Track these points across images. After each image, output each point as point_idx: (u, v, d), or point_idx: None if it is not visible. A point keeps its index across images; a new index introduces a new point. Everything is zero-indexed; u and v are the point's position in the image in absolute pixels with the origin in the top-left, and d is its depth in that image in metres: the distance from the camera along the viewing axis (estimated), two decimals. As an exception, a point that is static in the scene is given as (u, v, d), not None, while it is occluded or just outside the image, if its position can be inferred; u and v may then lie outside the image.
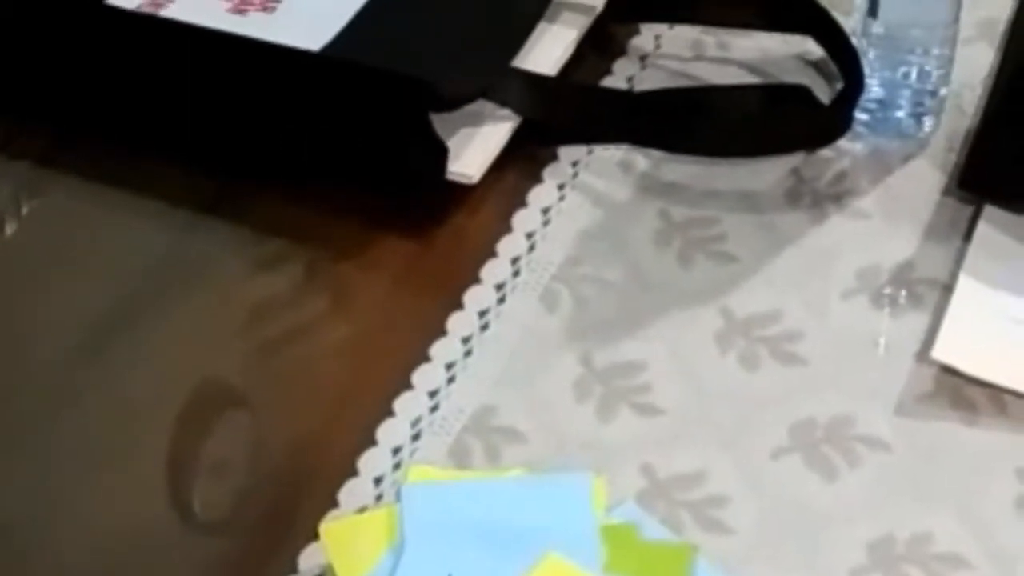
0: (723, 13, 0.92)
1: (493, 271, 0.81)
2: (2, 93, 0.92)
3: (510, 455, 0.72)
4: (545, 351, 0.77)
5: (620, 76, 0.91)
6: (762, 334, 0.77)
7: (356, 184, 0.84)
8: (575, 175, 0.85)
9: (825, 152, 0.85)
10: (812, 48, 0.89)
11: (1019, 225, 0.79)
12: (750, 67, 0.90)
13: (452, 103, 0.83)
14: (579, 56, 0.90)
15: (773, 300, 0.78)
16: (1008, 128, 0.81)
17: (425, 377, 0.76)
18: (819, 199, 0.83)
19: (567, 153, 0.86)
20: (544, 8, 0.90)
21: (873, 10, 0.81)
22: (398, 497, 0.68)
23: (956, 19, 0.81)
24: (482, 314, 0.79)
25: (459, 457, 0.72)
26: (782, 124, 0.86)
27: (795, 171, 0.84)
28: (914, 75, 0.83)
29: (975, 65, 0.88)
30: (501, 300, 0.79)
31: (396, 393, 0.75)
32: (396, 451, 0.73)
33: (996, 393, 0.73)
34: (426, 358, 0.76)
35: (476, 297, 0.79)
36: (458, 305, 0.79)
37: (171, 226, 0.85)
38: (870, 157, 0.84)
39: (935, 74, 0.83)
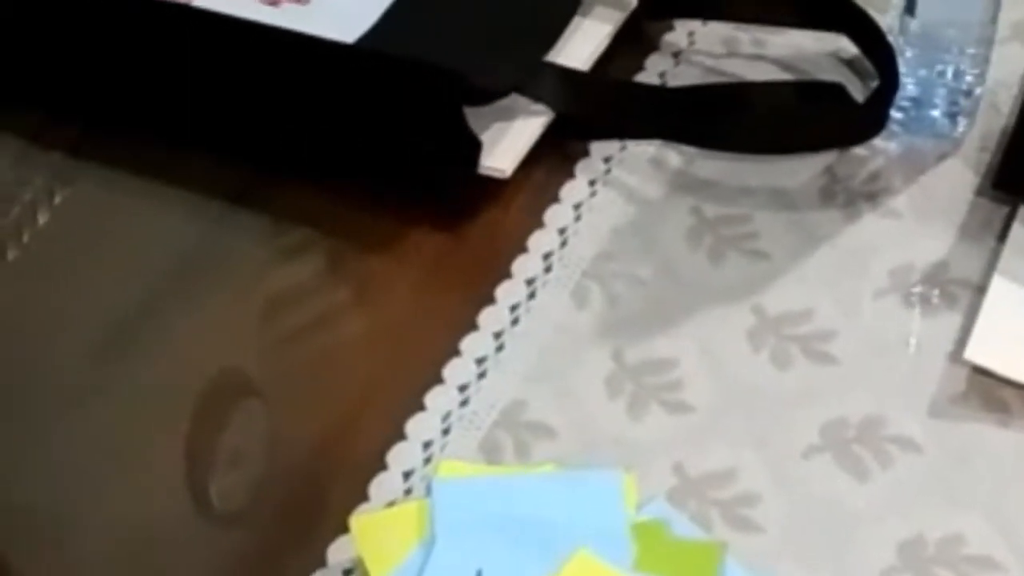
0: (757, 10, 0.91)
1: (524, 266, 0.80)
2: (34, 84, 0.92)
3: (540, 451, 0.72)
4: (576, 347, 0.77)
5: (653, 72, 0.91)
6: (794, 332, 0.76)
7: (388, 178, 0.84)
8: (607, 171, 0.85)
9: (859, 150, 0.84)
10: (847, 46, 0.89)
11: (1054, 226, 0.79)
12: (784, 64, 0.90)
13: (485, 96, 0.83)
14: (612, 51, 0.90)
15: (805, 298, 0.78)
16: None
17: (456, 371, 0.76)
18: (852, 197, 0.82)
19: (599, 149, 0.86)
20: (578, 3, 0.90)
21: (911, 8, 0.80)
22: (428, 491, 0.68)
23: (993, 19, 0.81)
24: (513, 309, 0.78)
25: (489, 452, 0.72)
26: (816, 122, 0.86)
27: (828, 169, 0.84)
28: (949, 74, 0.83)
29: (1011, 65, 0.87)
30: (532, 295, 0.79)
31: (426, 387, 0.75)
32: (426, 445, 0.73)
33: (1029, 395, 0.73)
34: (457, 352, 0.76)
35: (507, 292, 0.79)
36: (489, 300, 0.79)
37: (199, 217, 0.85)
38: (904, 156, 0.84)
39: (970, 73, 0.83)
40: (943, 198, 0.82)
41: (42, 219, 0.86)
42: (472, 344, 0.77)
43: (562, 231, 0.82)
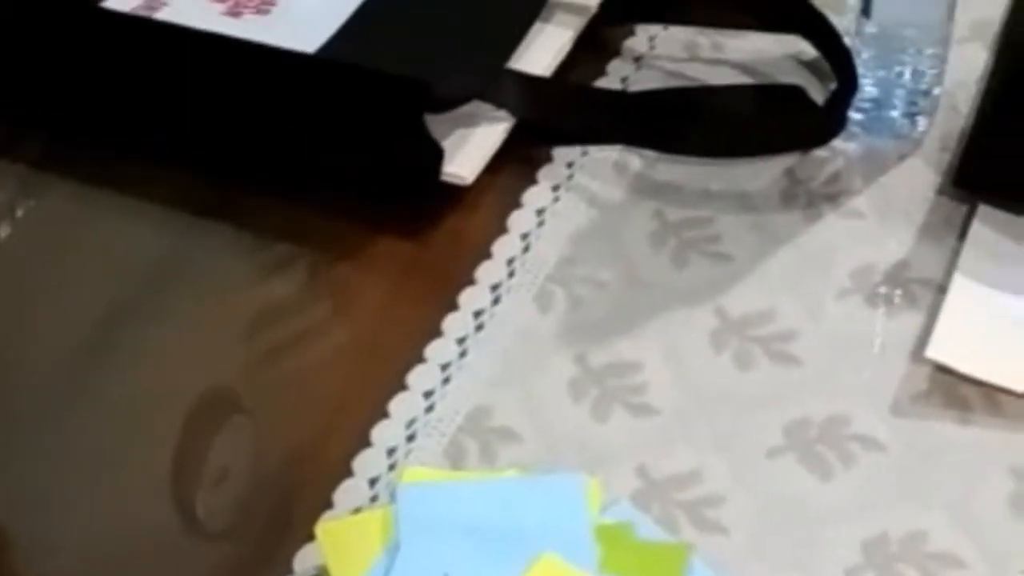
0: (717, 14, 0.92)
1: (488, 272, 0.81)
2: (-2, 96, 0.92)
3: (505, 456, 0.72)
4: (540, 351, 0.77)
5: (614, 77, 0.91)
6: (757, 334, 0.77)
7: (351, 186, 0.84)
8: (570, 176, 0.86)
9: (819, 152, 0.85)
10: (806, 48, 0.89)
11: (1013, 224, 0.80)
12: (744, 67, 0.91)
13: (447, 104, 0.84)
14: (574, 57, 0.90)
15: (768, 300, 0.78)
16: (1002, 127, 0.81)
17: (420, 378, 0.76)
18: (814, 199, 0.83)
19: (562, 154, 0.87)
20: (539, 9, 0.90)
21: (866, 10, 0.81)
22: (393, 498, 0.68)
23: (950, 19, 0.81)
24: (477, 315, 0.79)
25: (454, 458, 0.72)
26: (776, 124, 0.86)
27: (789, 171, 0.84)
28: (908, 75, 0.83)
29: (969, 65, 0.88)
30: (496, 301, 0.79)
31: (392, 394, 0.75)
32: (391, 452, 0.73)
33: (990, 392, 0.73)
34: (421, 359, 0.77)
35: (471, 298, 0.79)
36: (453, 306, 0.79)
37: (167, 230, 0.85)
38: (864, 157, 0.85)
39: (929, 74, 0.83)
40: (904, 198, 0.82)
41: (4, 232, 0.86)
42: (436, 350, 0.77)
43: (525, 236, 0.82)
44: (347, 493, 0.71)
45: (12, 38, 0.91)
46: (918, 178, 0.83)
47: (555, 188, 0.85)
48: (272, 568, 0.69)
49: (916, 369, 0.74)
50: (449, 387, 0.75)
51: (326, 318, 0.81)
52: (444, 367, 0.76)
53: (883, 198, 0.82)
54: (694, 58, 0.92)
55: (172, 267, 0.83)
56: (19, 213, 0.87)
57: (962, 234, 0.79)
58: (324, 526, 0.69)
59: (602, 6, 0.92)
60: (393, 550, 0.66)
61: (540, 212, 0.84)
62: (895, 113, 0.84)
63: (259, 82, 0.85)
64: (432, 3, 0.92)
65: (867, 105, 0.84)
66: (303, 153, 0.85)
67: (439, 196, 0.83)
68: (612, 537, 0.67)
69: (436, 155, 0.82)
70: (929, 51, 0.82)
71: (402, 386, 0.75)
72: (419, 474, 0.70)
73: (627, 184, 0.85)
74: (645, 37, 0.94)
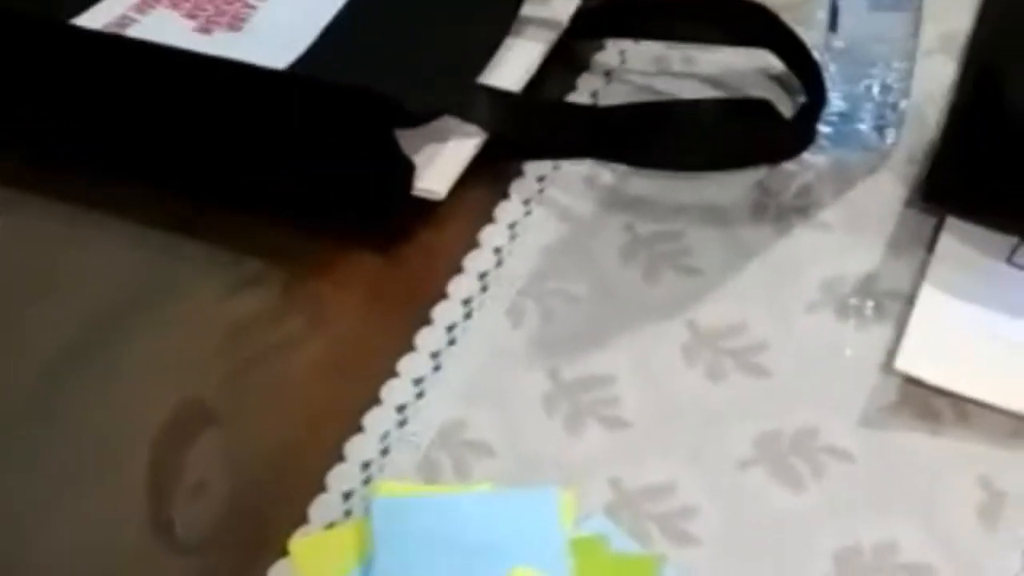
0: (687, 28, 0.92)
1: (460, 286, 0.81)
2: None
3: (479, 469, 0.72)
4: (513, 365, 0.77)
5: (585, 91, 0.92)
6: (728, 346, 0.77)
7: (323, 202, 0.84)
8: (541, 190, 0.86)
9: (789, 165, 0.85)
10: (775, 62, 0.90)
11: (980, 236, 0.80)
12: (714, 81, 0.91)
13: (417, 119, 0.84)
14: (544, 72, 0.91)
15: (738, 312, 0.78)
16: (969, 140, 0.82)
17: (394, 392, 0.76)
18: (783, 212, 0.83)
19: (533, 168, 0.87)
20: (510, 25, 0.91)
21: (833, 24, 0.81)
22: (367, 512, 0.69)
23: (916, 33, 0.82)
24: (450, 329, 0.79)
25: (428, 472, 0.73)
26: (745, 138, 0.87)
27: (759, 184, 0.85)
28: (876, 88, 0.84)
29: (936, 78, 0.88)
30: (468, 315, 0.80)
31: (365, 408, 0.75)
32: (365, 466, 0.73)
33: (959, 403, 0.73)
34: (394, 373, 0.77)
35: (444, 312, 0.80)
36: (426, 320, 0.79)
37: (142, 246, 0.86)
38: (833, 170, 0.85)
39: (896, 87, 0.84)
40: (872, 211, 0.83)
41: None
42: (410, 364, 0.77)
43: (497, 251, 0.83)
44: (321, 508, 0.71)
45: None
46: (887, 191, 0.84)
47: (526, 202, 0.85)
48: (248, 583, 0.69)
49: (886, 381, 0.75)
50: (422, 401, 0.76)
51: (300, 333, 0.81)
52: (417, 381, 0.76)
53: (852, 211, 0.83)
54: (664, 72, 0.92)
55: (146, 283, 0.83)
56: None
57: (930, 246, 0.80)
58: (297, 542, 0.69)
59: (572, 20, 0.93)
60: (367, 564, 0.66)
61: (512, 226, 0.84)
62: (863, 126, 0.85)
63: (230, 98, 0.85)
64: (403, 19, 0.92)
65: (835, 119, 0.85)
66: (275, 169, 0.85)
67: (411, 211, 0.83)
68: (586, 549, 0.67)
69: (407, 170, 0.82)
70: (896, 65, 0.83)
71: (376, 400, 0.76)
72: (393, 488, 0.71)
73: (598, 198, 0.85)
74: (616, 51, 0.94)
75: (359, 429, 0.74)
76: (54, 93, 0.89)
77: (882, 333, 0.77)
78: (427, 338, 0.78)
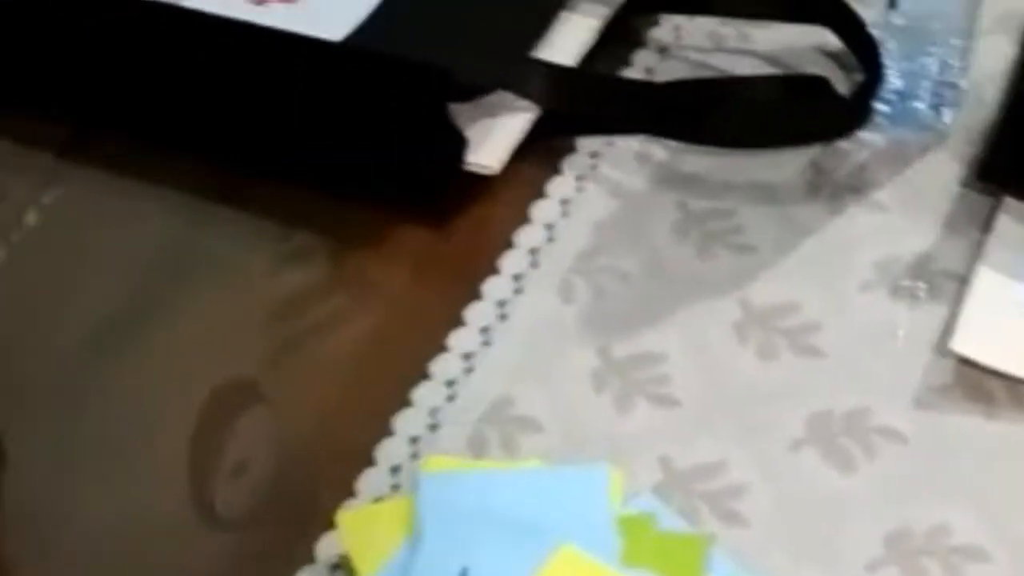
0: (743, 4, 0.91)
1: (511, 262, 0.81)
2: (23, 85, 0.92)
3: (527, 446, 0.72)
4: (563, 342, 0.77)
5: (639, 67, 0.91)
6: (780, 325, 0.76)
7: (375, 175, 0.84)
8: (593, 166, 0.85)
9: (844, 144, 0.85)
10: (831, 39, 0.89)
11: (1038, 217, 0.79)
12: (769, 58, 0.90)
13: (471, 93, 0.83)
14: (599, 47, 0.90)
15: (791, 292, 0.78)
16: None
17: (443, 367, 0.76)
18: (838, 191, 0.83)
19: (586, 144, 0.86)
20: (565, -1, 0.90)
21: (893, 1, 0.81)
22: (415, 487, 0.68)
23: (976, 10, 0.81)
24: (500, 304, 0.79)
25: (476, 447, 0.72)
26: (801, 115, 0.86)
27: (814, 163, 0.84)
28: (934, 66, 0.83)
29: (995, 57, 0.87)
30: (519, 291, 0.79)
31: (414, 383, 0.75)
32: (413, 441, 0.73)
33: (1014, 385, 0.73)
34: (444, 348, 0.77)
35: (494, 287, 0.79)
36: (476, 295, 0.79)
37: (189, 218, 0.86)
38: (889, 149, 0.84)
39: (955, 66, 0.83)
40: (928, 190, 0.82)
41: (31, 220, 0.86)
42: (459, 339, 0.77)
43: (548, 226, 0.82)
44: (369, 482, 0.71)
45: (36, 26, 0.91)
46: (943, 170, 0.83)
47: (578, 178, 0.85)
48: (294, 557, 0.69)
49: (939, 362, 0.74)
50: (472, 377, 0.75)
51: (348, 307, 0.81)
52: (467, 356, 0.76)
53: (908, 190, 0.82)
54: (719, 48, 0.92)
55: (192, 255, 0.84)
56: (45, 200, 0.87)
57: (986, 227, 0.79)
58: (345, 515, 0.69)
59: (628, -4, 0.92)
60: (414, 539, 0.66)
61: (563, 202, 0.83)
62: (921, 105, 0.84)
63: (283, 70, 0.85)
64: (457, -7, 0.92)
65: (892, 97, 0.84)
66: (327, 141, 0.85)
67: (462, 185, 0.83)
68: (634, 528, 0.67)
69: (459, 144, 0.82)
70: (955, 43, 0.82)
71: (425, 375, 0.75)
72: (441, 463, 0.70)
73: (651, 175, 0.85)
74: (670, 27, 0.93)
75: (408, 403, 0.74)
76: (106, 63, 0.89)
77: (936, 314, 0.76)
78: (477, 313, 0.78)
